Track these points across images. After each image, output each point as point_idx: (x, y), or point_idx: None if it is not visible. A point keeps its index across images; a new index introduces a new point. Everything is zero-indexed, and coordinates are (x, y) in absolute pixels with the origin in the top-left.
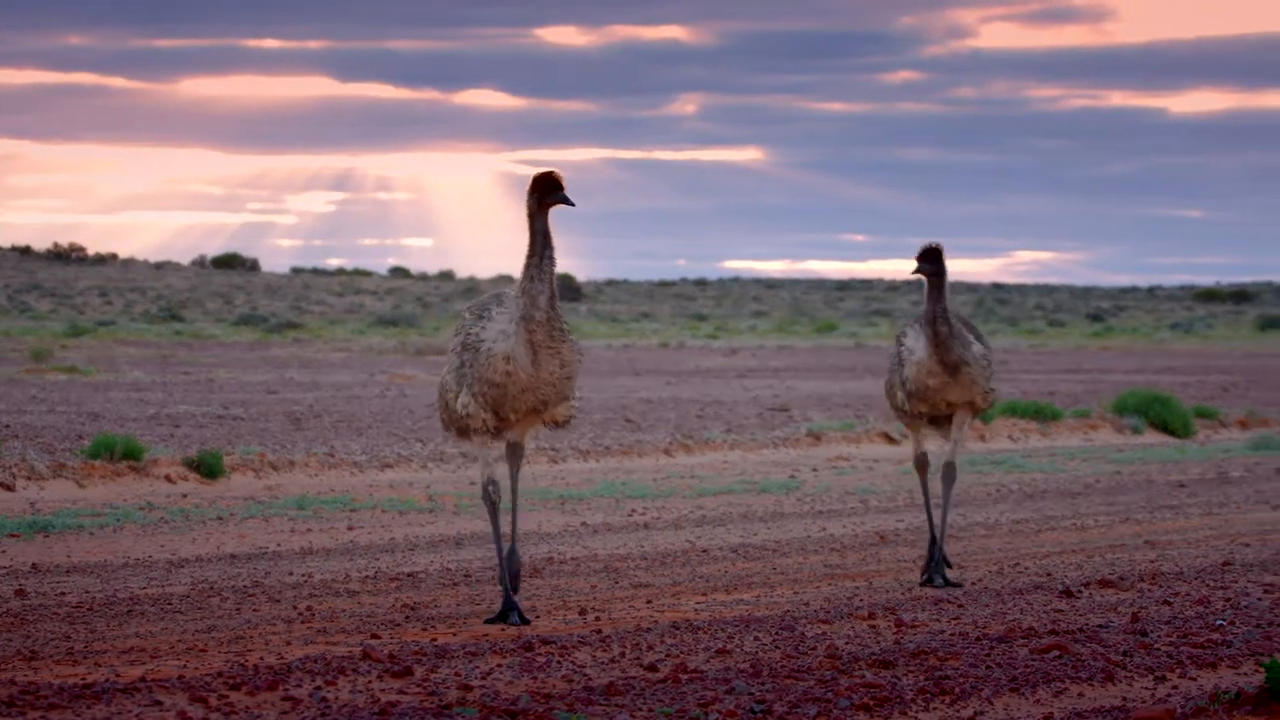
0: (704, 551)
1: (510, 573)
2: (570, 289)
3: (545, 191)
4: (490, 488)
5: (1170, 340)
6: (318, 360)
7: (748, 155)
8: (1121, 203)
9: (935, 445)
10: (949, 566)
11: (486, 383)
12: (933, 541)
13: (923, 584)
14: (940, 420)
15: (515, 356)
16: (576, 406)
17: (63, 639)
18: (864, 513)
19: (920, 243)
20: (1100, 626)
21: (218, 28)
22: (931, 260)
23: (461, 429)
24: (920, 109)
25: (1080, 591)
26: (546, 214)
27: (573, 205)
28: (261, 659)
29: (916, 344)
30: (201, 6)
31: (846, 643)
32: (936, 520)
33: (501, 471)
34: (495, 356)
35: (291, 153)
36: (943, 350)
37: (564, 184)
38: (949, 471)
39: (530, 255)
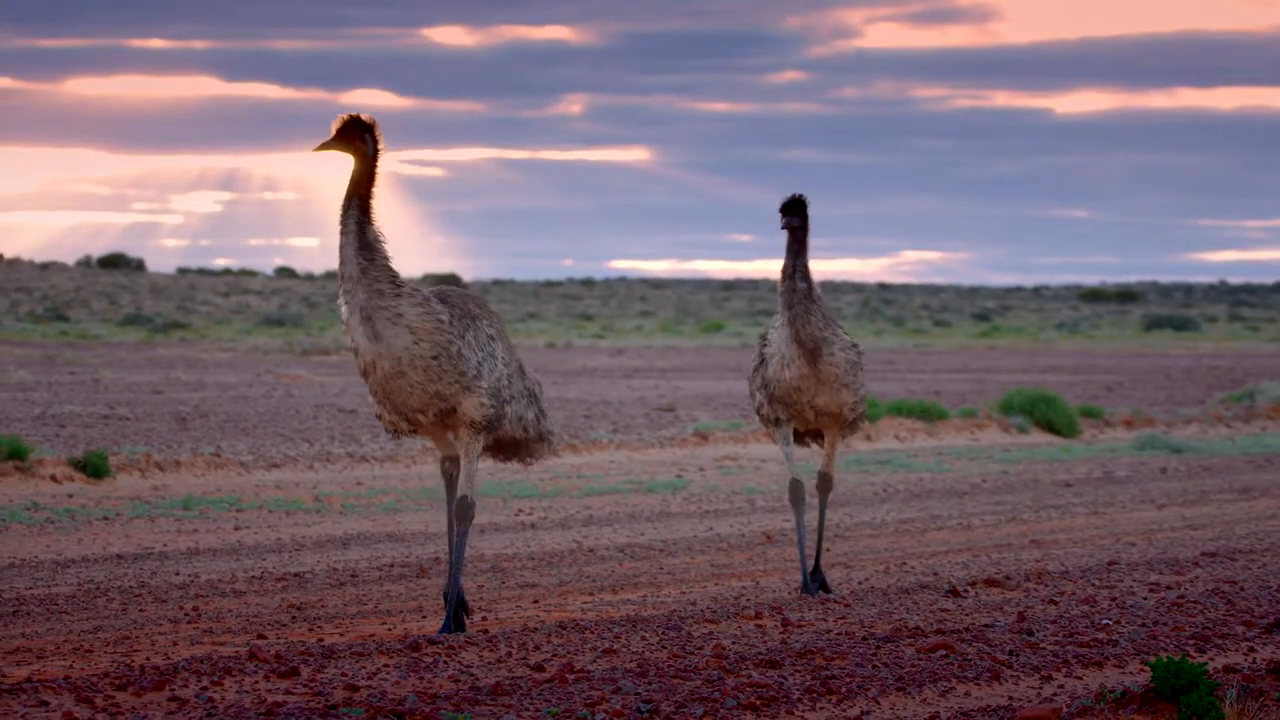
0: (591, 551)
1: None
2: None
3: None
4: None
5: (1056, 340)
6: (204, 360)
7: (634, 155)
8: (1007, 203)
9: (804, 462)
10: (827, 592)
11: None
12: (804, 572)
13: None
14: (807, 440)
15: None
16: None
17: None
18: (751, 512)
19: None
20: (986, 626)
21: (102, 27)
22: (797, 212)
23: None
24: (805, 109)
25: (966, 591)
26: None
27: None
28: (148, 659)
29: (778, 336)
30: (86, 6)
31: (733, 642)
32: (809, 548)
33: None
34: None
35: (177, 153)
36: (800, 322)
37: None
38: (824, 482)
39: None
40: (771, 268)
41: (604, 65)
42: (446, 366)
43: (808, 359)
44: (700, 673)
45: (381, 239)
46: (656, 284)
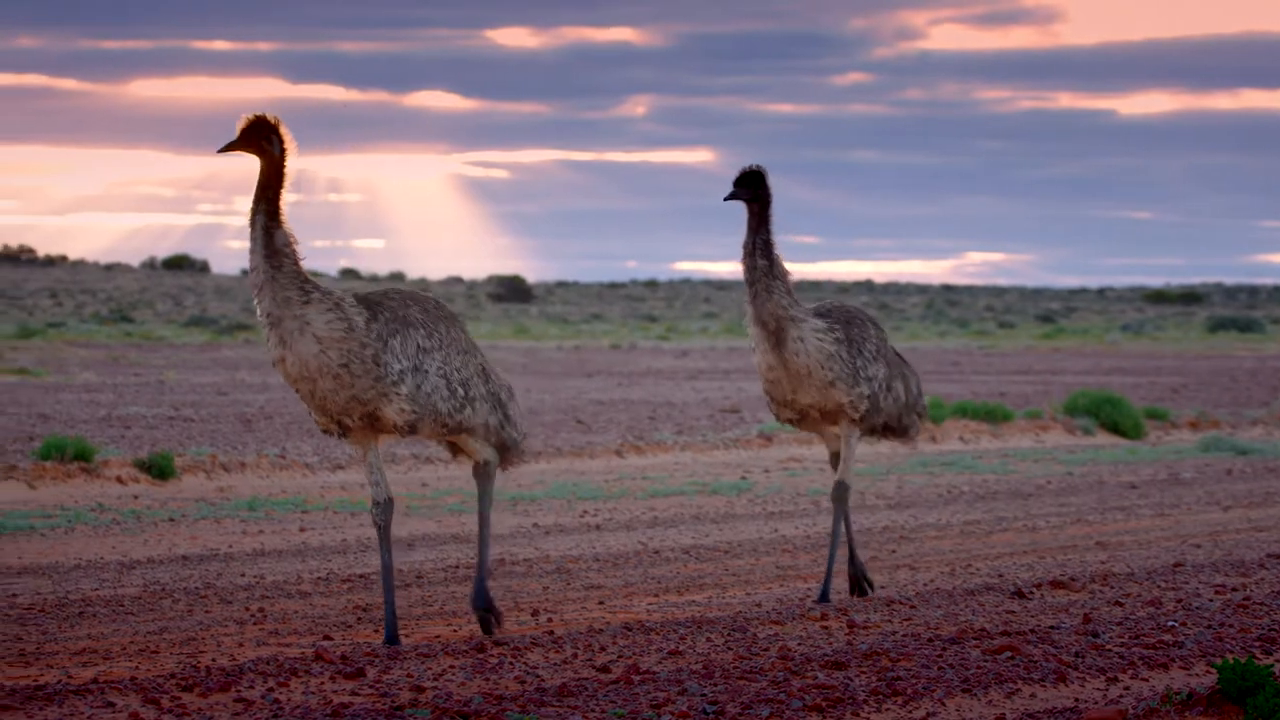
0: (656, 553)
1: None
2: (520, 290)
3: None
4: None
5: (1120, 341)
6: (267, 362)
7: (698, 156)
8: (1071, 204)
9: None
10: (826, 600)
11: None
12: (828, 579)
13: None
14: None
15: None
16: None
17: (14, 640)
18: (815, 514)
19: (866, 244)
20: (1052, 628)
21: (167, 29)
22: (750, 184)
23: None
24: (869, 111)
25: (1032, 593)
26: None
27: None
28: (213, 660)
29: (752, 334)
30: (151, 8)
31: (799, 644)
32: (839, 557)
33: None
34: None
35: (242, 154)
36: (761, 300)
37: None
38: (838, 491)
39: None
40: (837, 270)
41: (668, 67)
42: (359, 373)
43: (772, 343)
44: (766, 674)
45: (291, 242)
46: (721, 285)
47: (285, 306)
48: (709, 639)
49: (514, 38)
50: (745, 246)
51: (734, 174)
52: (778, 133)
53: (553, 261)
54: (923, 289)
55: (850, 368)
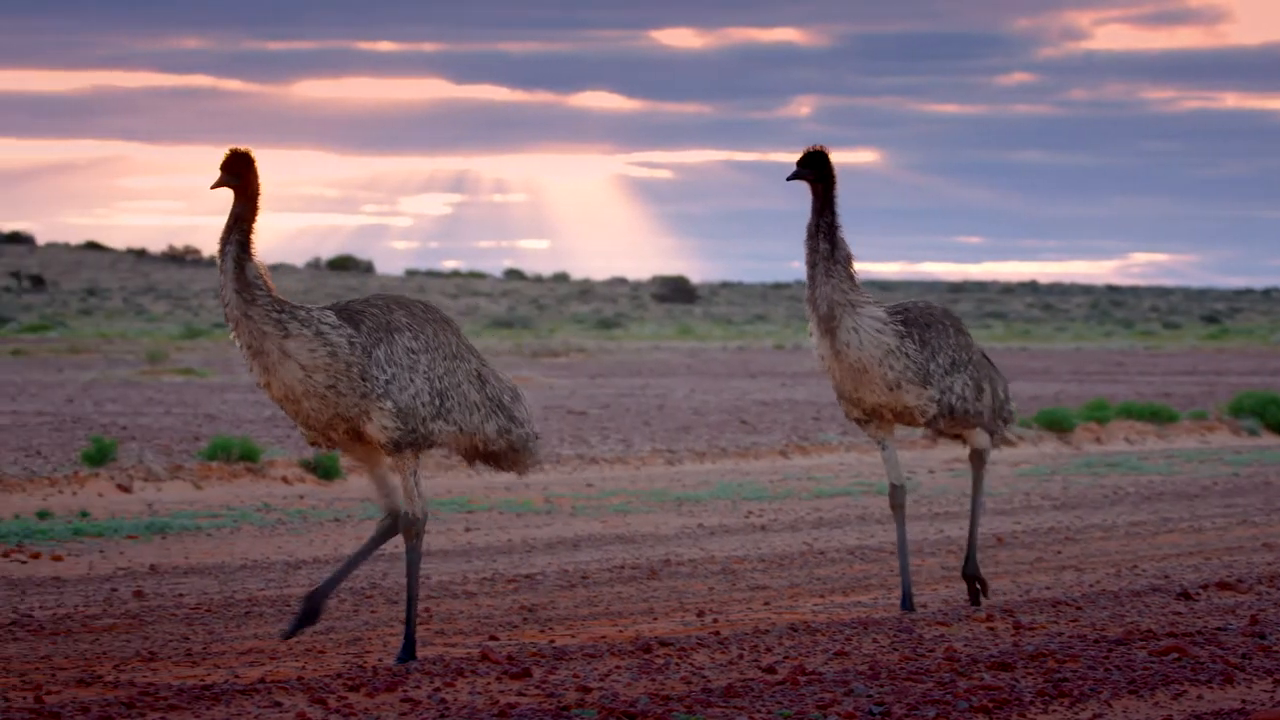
0: (821, 553)
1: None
2: (684, 291)
3: None
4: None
5: None
6: None
7: (862, 157)
8: (1236, 204)
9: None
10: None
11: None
12: (906, 585)
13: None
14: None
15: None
16: None
17: (181, 640)
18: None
19: (1030, 245)
20: (1219, 629)
21: (331, 30)
22: (815, 165)
23: None
24: (1034, 111)
25: (1198, 594)
26: None
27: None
28: (380, 660)
29: (810, 322)
30: (316, 9)
31: (965, 645)
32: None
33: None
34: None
35: (406, 155)
36: (818, 283)
37: None
38: (974, 459)
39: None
40: (1000, 270)
41: (833, 67)
42: (345, 390)
43: (824, 330)
44: (932, 675)
45: (262, 274)
46: (885, 286)
47: (263, 340)
48: (875, 640)
49: (679, 38)
50: (809, 228)
51: (900, 174)
52: (941, 133)
53: (717, 262)
54: (1087, 290)
55: (920, 369)
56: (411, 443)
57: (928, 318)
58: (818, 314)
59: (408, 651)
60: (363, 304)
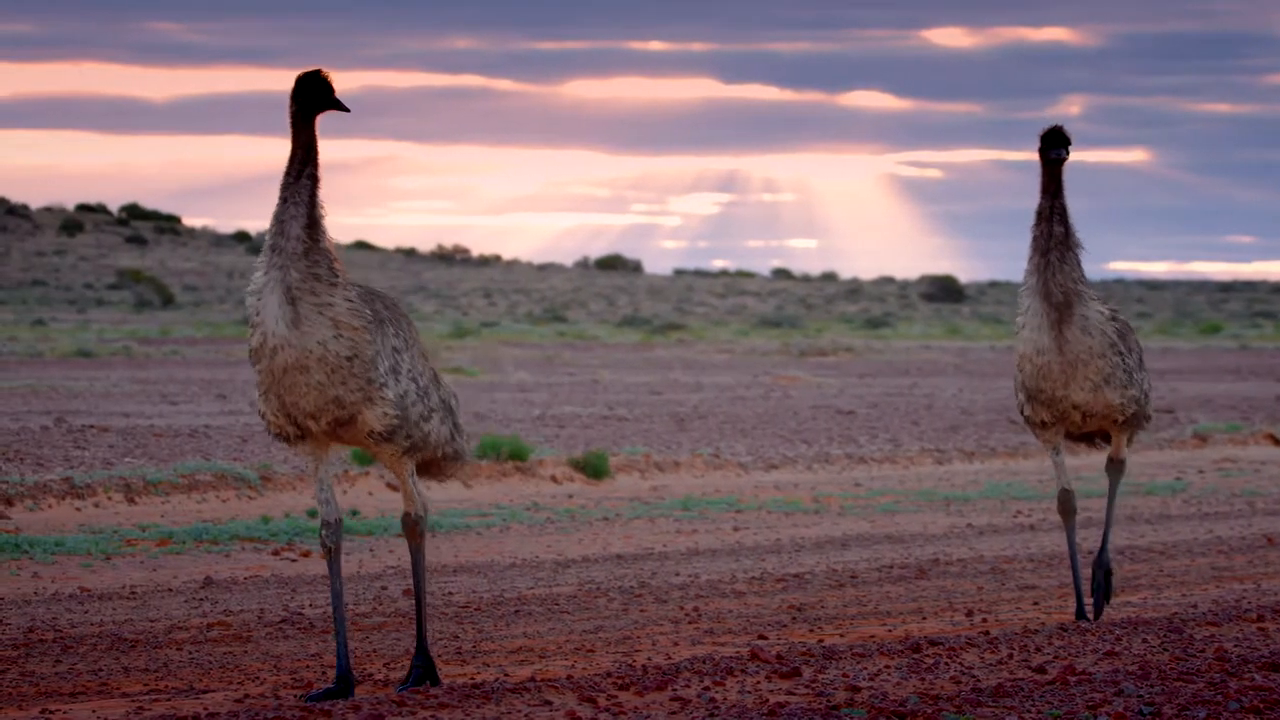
0: (1092, 553)
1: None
2: (952, 290)
3: None
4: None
5: None
6: (700, 361)
7: (1132, 156)
8: None
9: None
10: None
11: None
12: (1079, 596)
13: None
14: (1098, 441)
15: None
16: None
17: (451, 638)
18: (1251, 515)
19: None
20: None
21: (602, 30)
22: (1064, 144)
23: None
24: None
25: None
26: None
27: None
28: (649, 659)
29: (1026, 294)
30: (586, 9)
31: (1235, 645)
32: (1083, 574)
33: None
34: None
35: (676, 154)
36: (1053, 270)
37: None
38: (1114, 467)
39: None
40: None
41: (1103, 66)
42: (357, 370)
43: (1053, 319)
44: (1202, 675)
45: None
46: (1153, 285)
47: (314, 282)
48: (1144, 640)
49: (949, 38)
50: (1040, 211)
51: (1170, 174)
52: (1213, 133)
53: (985, 261)
54: None
55: (1127, 368)
56: (406, 437)
57: (1120, 319)
58: (1050, 303)
59: (420, 659)
60: (362, 289)
